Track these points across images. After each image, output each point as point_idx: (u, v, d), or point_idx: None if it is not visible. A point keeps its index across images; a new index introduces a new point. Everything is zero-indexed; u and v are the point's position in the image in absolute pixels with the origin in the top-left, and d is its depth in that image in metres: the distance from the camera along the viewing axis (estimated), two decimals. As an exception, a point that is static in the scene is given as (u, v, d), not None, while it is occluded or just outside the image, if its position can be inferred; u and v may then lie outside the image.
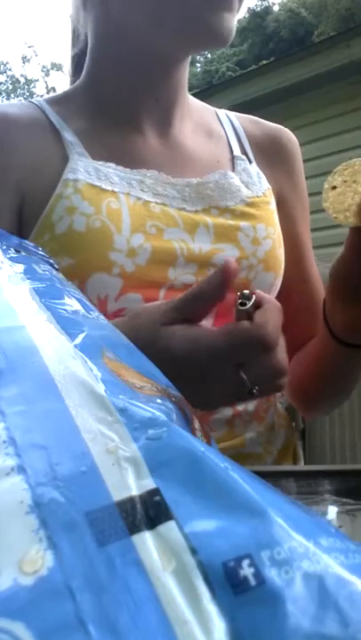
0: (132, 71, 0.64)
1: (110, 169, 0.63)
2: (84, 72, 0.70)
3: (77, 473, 0.18)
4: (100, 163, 0.63)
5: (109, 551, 0.16)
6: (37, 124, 0.65)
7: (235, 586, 0.16)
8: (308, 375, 0.68)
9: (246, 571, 0.17)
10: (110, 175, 0.63)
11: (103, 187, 0.62)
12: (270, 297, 0.48)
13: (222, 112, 0.78)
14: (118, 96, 0.67)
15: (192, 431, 0.24)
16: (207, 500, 0.18)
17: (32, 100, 0.70)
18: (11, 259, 0.30)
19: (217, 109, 0.79)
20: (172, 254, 0.62)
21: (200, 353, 0.44)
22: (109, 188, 0.62)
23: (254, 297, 0.45)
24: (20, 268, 0.29)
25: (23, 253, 0.32)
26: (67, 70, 0.77)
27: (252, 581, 0.16)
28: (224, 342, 0.43)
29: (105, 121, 0.67)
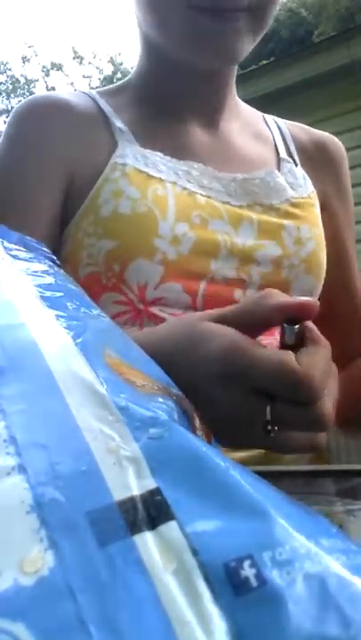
0: (171, 75, 0.65)
1: (158, 157, 0.64)
2: (134, 68, 0.72)
3: (78, 472, 0.18)
4: (148, 151, 0.64)
5: (110, 551, 0.16)
6: (89, 111, 0.67)
7: (236, 586, 0.16)
8: (356, 399, 0.63)
9: (248, 571, 0.17)
10: (158, 163, 0.64)
11: (150, 173, 0.62)
12: (322, 337, 0.38)
13: (270, 117, 0.80)
14: (163, 95, 0.68)
15: (193, 430, 0.24)
16: (208, 500, 0.18)
17: (84, 91, 0.72)
18: (12, 255, 0.30)
19: (265, 114, 0.79)
20: (216, 246, 0.62)
21: (237, 358, 0.35)
22: (156, 175, 0.63)
23: (303, 325, 0.37)
24: (21, 264, 0.29)
25: (24, 250, 0.31)
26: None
27: (254, 582, 0.16)
28: (264, 366, 0.34)
29: (154, 114, 0.68)
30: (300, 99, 4.41)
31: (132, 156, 0.63)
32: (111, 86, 0.74)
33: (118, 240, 0.59)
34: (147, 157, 0.63)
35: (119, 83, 0.74)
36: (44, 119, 0.65)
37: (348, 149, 0.82)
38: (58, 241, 0.64)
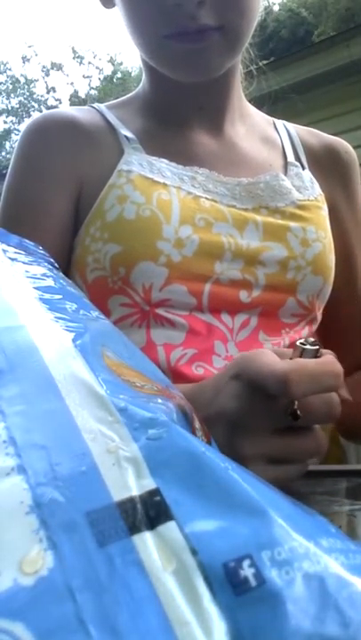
0: (172, 86, 0.66)
1: (163, 164, 0.65)
2: (141, 82, 0.74)
3: (78, 473, 0.18)
4: (154, 158, 0.66)
5: (110, 551, 0.16)
6: (95, 123, 0.69)
7: (235, 586, 0.16)
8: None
9: (247, 571, 0.17)
10: (163, 169, 0.65)
11: (155, 179, 0.64)
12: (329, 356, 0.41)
13: (280, 122, 0.80)
14: (168, 104, 0.70)
15: (193, 431, 0.24)
16: (207, 501, 0.18)
17: (92, 105, 0.74)
18: (10, 258, 0.30)
19: (275, 119, 0.80)
20: (220, 248, 0.63)
21: (248, 361, 0.40)
22: (161, 180, 0.64)
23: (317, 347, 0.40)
24: (21, 267, 0.29)
25: (23, 253, 0.32)
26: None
27: (253, 582, 0.16)
28: (259, 365, 0.39)
29: (160, 122, 0.70)
30: (299, 99, 4.40)
31: (138, 163, 0.64)
32: (118, 100, 0.77)
33: (123, 244, 0.60)
34: (152, 164, 0.65)
35: (126, 97, 0.77)
36: (51, 137, 0.67)
37: (348, 149, 0.82)
38: (70, 248, 0.65)
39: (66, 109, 0.71)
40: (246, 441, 0.39)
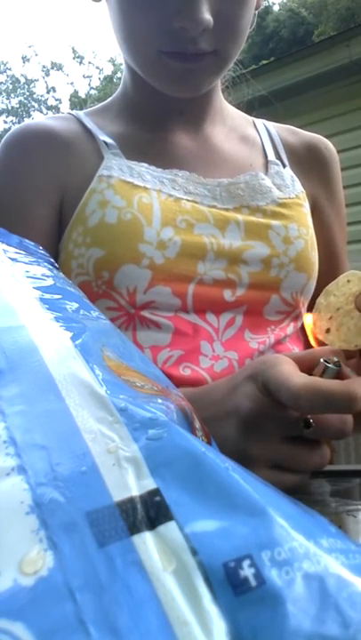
0: (152, 92, 0.66)
1: (143, 168, 0.66)
2: (119, 87, 0.75)
3: (78, 473, 0.18)
4: (134, 162, 0.66)
5: (110, 551, 0.16)
6: (73, 131, 0.70)
7: (235, 586, 0.16)
8: None
9: (247, 571, 0.17)
10: (143, 173, 0.66)
11: (135, 183, 0.64)
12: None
13: (260, 121, 0.81)
14: (148, 108, 0.71)
15: (193, 431, 0.24)
16: (208, 501, 0.18)
17: (70, 112, 0.75)
18: (11, 258, 0.30)
19: (255, 119, 0.80)
20: (202, 248, 0.63)
21: (266, 368, 0.39)
22: (141, 184, 0.64)
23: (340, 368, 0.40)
24: (21, 267, 0.29)
25: (24, 253, 0.32)
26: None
27: (253, 582, 0.16)
28: (276, 374, 0.38)
29: (139, 125, 0.71)
30: (300, 99, 4.40)
31: (118, 168, 0.65)
32: (97, 106, 0.77)
33: (106, 248, 0.61)
34: (132, 168, 0.66)
35: (104, 102, 0.77)
36: (29, 149, 0.68)
37: (348, 149, 0.83)
38: (55, 256, 0.65)
39: (43, 120, 0.72)
40: (255, 442, 0.39)
